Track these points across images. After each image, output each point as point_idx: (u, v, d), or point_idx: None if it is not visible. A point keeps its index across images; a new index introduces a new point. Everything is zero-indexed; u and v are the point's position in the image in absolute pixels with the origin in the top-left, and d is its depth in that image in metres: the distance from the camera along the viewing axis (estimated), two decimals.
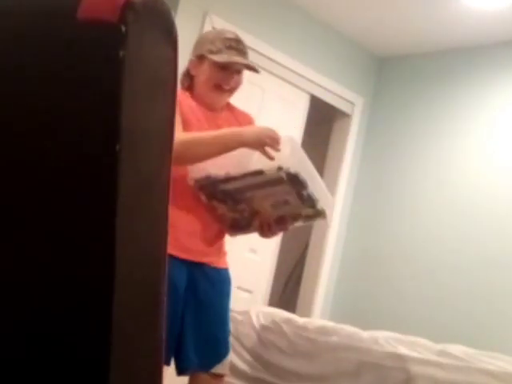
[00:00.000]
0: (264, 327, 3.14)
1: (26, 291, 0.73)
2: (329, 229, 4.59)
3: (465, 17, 4.15)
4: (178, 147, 1.98)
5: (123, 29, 0.69)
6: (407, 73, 4.86)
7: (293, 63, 4.42)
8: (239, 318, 3.19)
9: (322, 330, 3.01)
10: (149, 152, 0.75)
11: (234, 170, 2.11)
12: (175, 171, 2.25)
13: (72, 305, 0.71)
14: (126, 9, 0.69)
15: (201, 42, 2.33)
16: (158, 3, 0.74)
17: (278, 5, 4.38)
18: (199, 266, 2.20)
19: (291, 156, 2.06)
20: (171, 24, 0.76)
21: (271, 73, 4.31)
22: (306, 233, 4.78)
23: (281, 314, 3.28)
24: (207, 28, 4.03)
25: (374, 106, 4.94)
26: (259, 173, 2.07)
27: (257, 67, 2.30)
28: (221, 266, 2.29)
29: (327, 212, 2.21)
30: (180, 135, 2.05)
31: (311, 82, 4.55)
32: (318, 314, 4.61)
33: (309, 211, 2.18)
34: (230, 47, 2.22)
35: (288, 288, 5.50)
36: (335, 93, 4.71)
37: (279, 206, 2.17)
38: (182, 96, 2.23)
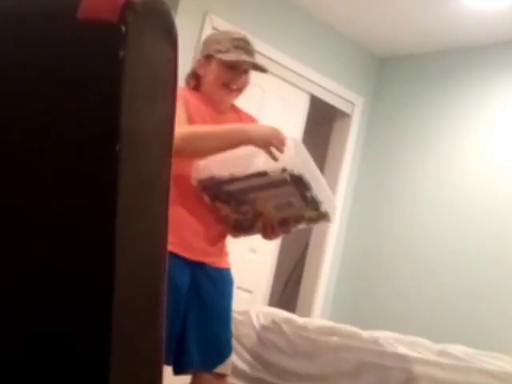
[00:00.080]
0: (264, 327, 3.14)
1: (26, 291, 0.73)
2: (329, 228, 4.59)
3: (465, 17, 4.16)
4: (181, 140, 1.99)
5: (123, 29, 0.69)
6: (407, 73, 4.86)
7: (293, 63, 4.42)
8: (239, 317, 3.19)
9: (322, 330, 3.01)
10: (149, 152, 0.75)
11: (238, 171, 2.11)
12: (179, 171, 2.24)
13: (72, 305, 0.71)
14: (126, 9, 0.69)
15: (208, 42, 2.34)
16: (158, 3, 0.74)
17: (278, 5, 4.38)
18: (201, 265, 2.20)
19: (295, 157, 2.05)
20: (171, 24, 0.76)
21: (271, 73, 4.30)
22: (306, 233, 4.78)
23: (281, 313, 3.27)
24: (207, 28, 4.03)
25: (374, 106, 4.94)
26: (263, 174, 2.07)
27: (265, 67, 2.30)
28: (223, 266, 2.29)
29: (330, 214, 2.20)
30: (184, 128, 2.05)
31: (311, 81, 4.55)
32: (318, 314, 4.61)
33: (312, 213, 2.17)
34: (237, 47, 2.23)
35: (288, 288, 5.50)
36: (335, 93, 4.71)
37: (282, 207, 2.16)
38: (188, 95, 2.23)
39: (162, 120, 0.76)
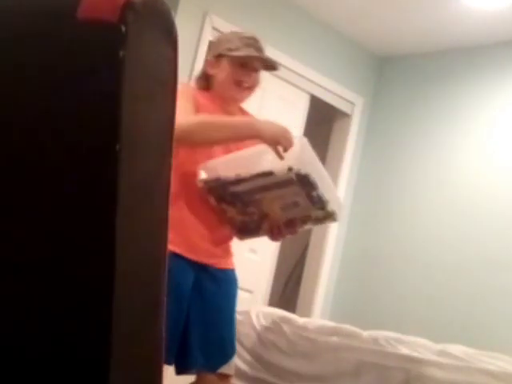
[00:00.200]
0: (264, 327, 3.14)
1: (25, 291, 0.73)
2: (329, 229, 4.59)
3: (465, 17, 4.16)
4: (187, 127, 1.99)
5: (123, 29, 0.69)
6: (407, 73, 4.86)
7: (293, 63, 4.41)
8: (239, 317, 3.19)
9: (322, 330, 3.01)
10: (149, 152, 0.75)
11: (244, 172, 2.09)
12: (185, 173, 2.24)
13: (72, 305, 0.71)
14: (126, 9, 0.69)
15: (218, 42, 2.35)
16: (158, 3, 0.74)
17: (278, 5, 4.38)
18: (206, 267, 2.20)
19: (301, 157, 2.05)
20: (171, 24, 0.75)
21: (271, 73, 4.30)
22: (306, 233, 4.78)
23: (281, 313, 3.27)
24: (207, 28, 4.04)
25: (374, 106, 4.94)
26: (269, 174, 2.06)
27: (276, 64, 2.28)
28: (227, 267, 2.28)
29: (337, 214, 2.19)
30: (192, 117, 2.06)
31: (311, 81, 4.55)
32: (318, 314, 4.60)
33: (319, 213, 2.16)
34: (248, 45, 2.23)
35: (288, 288, 5.50)
36: (335, 93, 4.71)
37: (289, 208, 2.14)
38: (198, 94, 2.22)
39: (161, 120, 0.76)
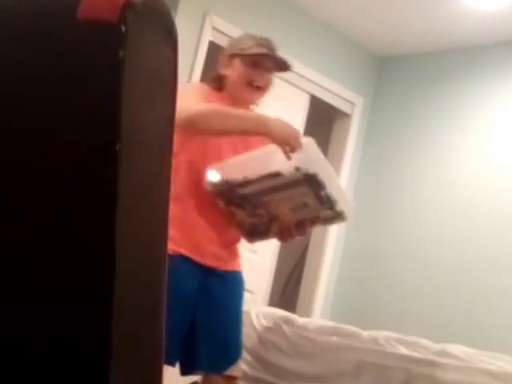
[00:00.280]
0: (264, 327, 3.13)
1: (25, 291, 0.73)
2: (328, 228, 4.59)
3: (465, 17, 4.16)
4: (196, 114, 2.00)
5: (123, 29, 0.69)
6: (407, 73, 4.86)
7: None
8: None
9: (322, 330, 3.00)
10: (149, 152, 0.75)
11: (252, 173, 2.09)
12: (195, 178, 2.24)
13: (72, 305, 0.71)
14: (126, 9, 0.69)
15: (231, 43, 2.36)
16: (158, 3, 0.74)
17: (278, 5, 4.38)
18: (213, 269, 2.20)
19: (309, 156, 2.04)
20: (171, 24, 0.75)
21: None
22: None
23: (281, 313, 3.27)
24: (207, 28, 4.04)
25: (374, 106, 4.94)
26: (277, 175, 2.05)
27: (288, 64, 2.27)
28: (235, 269, 2.28)
29: (346, 214, 2.18)
30: (202, 104, 2.07)
31: (311, 81, 4.55)
32: (318, 314, 4.60)
33: (328, 213, 2.15)
34: (260, 45, 2.23)
35: (288, 288, 5.50)
36: (335, 93, 4.71)
37: (298, 209, 2.13)
38: (210, 93, 2.23)
39: (161, 120, 0.76)
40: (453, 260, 4.13)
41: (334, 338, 2.92)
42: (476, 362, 2.53)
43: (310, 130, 4.67)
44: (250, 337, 3.13)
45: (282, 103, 4.44)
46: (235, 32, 4.16)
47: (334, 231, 4.67)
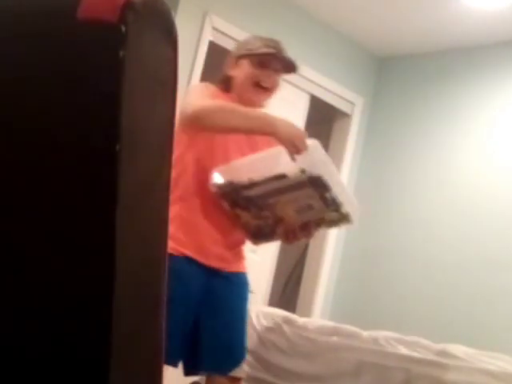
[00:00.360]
0: (264, 327, 3.14)
1: (25, 291, 0.73)
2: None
3: (465, 17, 4.16)
4: (201, 109, 2.01)
5: (123, 29, 0.69)
6: (407, 73, 4.86)
7: None
8: None
9: (322, 330, 3.01)
10: (149, 152, 0.75)
11: (257, 175, 2.08)
12: (200, 179, 2.25)
13: (72, 305, 0.71)
14: (126, 9, 0.69)
15: (238, 45, 2.37)
16: (158, 3, 0.74)
17: (278, 5, 4.38)
18: (218, 270, 2.20)
19: (314, 158, 2.03)
20: (171, 24, 0.75)
21: None
22: None
23: (281, 313, 3.27)
24: (207, 28, 4.04)
25: (374, 106, 4.94)
26: (282, 177, 2.04)
27: (296, 65, 2.27)
28: (239, 270, 2.28)
29: (352, 216, 2.16)
30: (208, 101, 2.07)
31: (311, 81, 4.55)
32: (318, 314, 4.60)
33: (333, 215, 2.13)
34: (268, 45, 2.24)
35: (288, 288, 5.50)
36: (335, 93, 4.71)
37: (303, 211, 2.12)
38: (219, 94, 2.23)
39: (162, 120, 0.76)
40: (453, 260, 4.13)
41: (334, 338, 2.92)
42: (476, 362, 2.53)
43: (310, 130, 4.65)
44: (250, 337, 3.13)
45: (282, 103, 4.43)
46: (235, 32, 4.16)
47: (334, 231, 4.67)
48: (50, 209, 0.73)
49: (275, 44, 2.25)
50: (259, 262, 4.36)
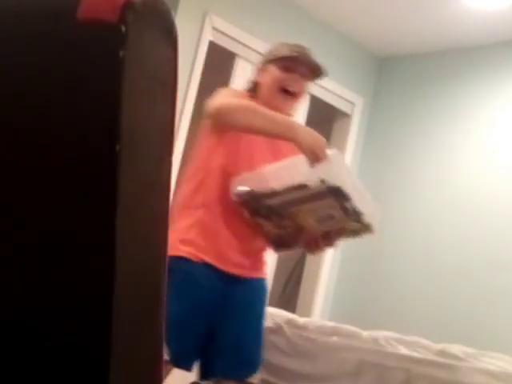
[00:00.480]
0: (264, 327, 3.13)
1: (25, 291, 0.73)
2: None
3: (465, 17, 4.16)
4: (225, 107, 2.04)
5: (123, 29, 0.69)
6: (407, 73, 4.86)
7: None
8: None
9: (322, 330, 3.01)
10: (149, 152, 0.75)
11: (277, 185, 2.07)
12: (223, 187, 2.28)
13: (72, 305, 0.71)
14: (126, 9, 0.69)
15: (266, 52, 2.37)
16: (158, 3, 0.74)
17: (278, 5, 4.38)
18: (236, 276, 2.20)
19: (334, 169, 2.02)
20: (171, 24, 0.75)
21: None
22: None
23: (281, 313, 3.27)
24: (207, 28, 4.04)
25: (374, 106, 4.94)
26: (302, 186, 2.03)
27: (323, 69, 2.27)
28: (258, 276, 2.28)
29: (374, 226, 2.15)
30: (234, 100, 2.10)
31: None
32: (318, 314, 4.60)
33: (354, 225, 2.12)
34: (294, 51, 2.26)
35: (288, 288, 5.50)
36: (335, 93, 4.71)
37: (324, 220, 2.11)
38: (247, 98, 2.23)
39: (162, 120, 0.76)
40: (453, 260, 4.13)
41: (334, 338, 2.92)
42: (476, 362, 2.53)
43: None
44: None
45: None
46: (235, 32, 4.16)
47: None
48: (50, 209, 0.73)
49: (301, 49, 2.28)
50: None
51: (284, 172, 2.09)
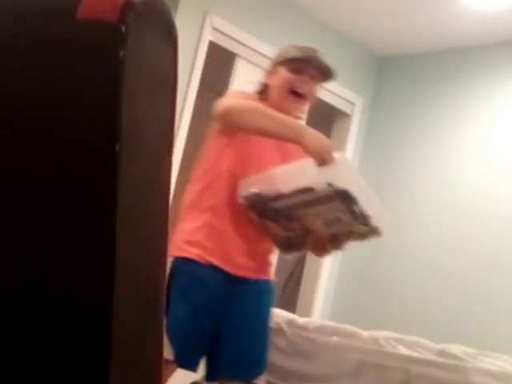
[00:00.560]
0: None
1: (25, 291, 0.73)
2: None
3: (465, 17, 4.16)
4: (234, 108, 2.04)
5: (123, 29, 0.69)
6: (407, 73, 4.86)
7: None
8: None
9: (322, 330, 3.01)
10: (149, 152, 0.75)
11: (284, 187, 2.07)
12: (233, 191, 2.30)
13: (72, 305, 0.71)
14: (126, 9, 0.69)
15: (276, 55, 2.37)
16: (158, 3, 0.74)
17: (278, 5, 4.38)
18: (242, 279, 2.20)
19: (341, 172, 2.02)
20: (171, 24, 0.75)
21: None
22: None
23: (281, 313, 3.27)
24: (207, 28, 4.04)
25: (374, 106, 4.94)
26: (309, 190, 2.02)
27: (333, 71, 2.25)
28: (264, 277, 2.28)
29: (381, 230, 2.15)
30: (243, 101, 2.11)
31: None
32: (318, 314, 4.60)
33: (362, 228, 2.12)
34: (303, 52, 2.26)
35: (288, 288, 5.50)
36: (335, 93, 4.71)
37: (332, 223, 2.11)
38: (256, 100, 2.23)
39: (162, 120, 0.76)
40: (453, 260, 4.13)
41: (334, 338, 2.92)
42: (476, 361, 2.53)
43: None
44: None
45: None
46: (235, 32, 4.16)
47: None
48: (50, 209, 0.73)
49: (311, 51, 2.27)
50: None
51: (291, 175, 2.09)
